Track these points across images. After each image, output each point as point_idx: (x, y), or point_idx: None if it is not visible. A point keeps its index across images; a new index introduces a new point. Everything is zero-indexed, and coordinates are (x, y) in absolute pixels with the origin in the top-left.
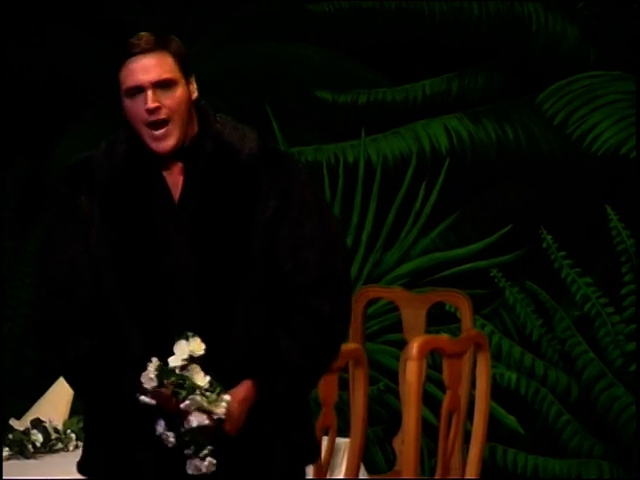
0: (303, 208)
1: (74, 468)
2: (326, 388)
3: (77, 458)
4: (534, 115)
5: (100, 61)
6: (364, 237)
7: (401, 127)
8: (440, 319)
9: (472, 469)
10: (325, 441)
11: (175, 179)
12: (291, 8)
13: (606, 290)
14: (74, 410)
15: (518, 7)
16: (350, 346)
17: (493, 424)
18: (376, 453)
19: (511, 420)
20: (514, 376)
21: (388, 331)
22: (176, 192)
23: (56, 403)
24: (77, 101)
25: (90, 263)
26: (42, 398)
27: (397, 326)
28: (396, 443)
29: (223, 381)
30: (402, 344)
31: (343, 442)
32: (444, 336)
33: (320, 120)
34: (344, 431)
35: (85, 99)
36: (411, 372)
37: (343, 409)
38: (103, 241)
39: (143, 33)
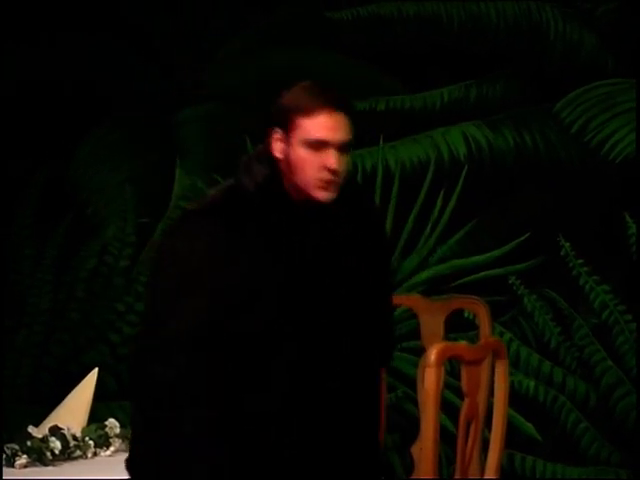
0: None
1: (92, 475)
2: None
3: (95, 465)
4: (552, 123)
5: (121, 66)
6: None
7: (419, 134)
8: (458, 326)
9: (490, 476)
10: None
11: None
12: (310, 16)
13: (624, 298)
14: (92, 417)
15: (536, 15)
16: None
17: (511, 431)
18: (394, 460)
19: (529, 427)
20: (532, 383)
21: (406, 338)
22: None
23: (74, 410)
24: (98, 106)
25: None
26: (60, 405)
27: (415, 333)
28: (414, 450)
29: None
30: (420, 351)
31: None
32: (462, 343)
33: None
34: None
35: (106, 104)
36: (429, 379)
37: None
38: (262, 278)
39: (324, 86)
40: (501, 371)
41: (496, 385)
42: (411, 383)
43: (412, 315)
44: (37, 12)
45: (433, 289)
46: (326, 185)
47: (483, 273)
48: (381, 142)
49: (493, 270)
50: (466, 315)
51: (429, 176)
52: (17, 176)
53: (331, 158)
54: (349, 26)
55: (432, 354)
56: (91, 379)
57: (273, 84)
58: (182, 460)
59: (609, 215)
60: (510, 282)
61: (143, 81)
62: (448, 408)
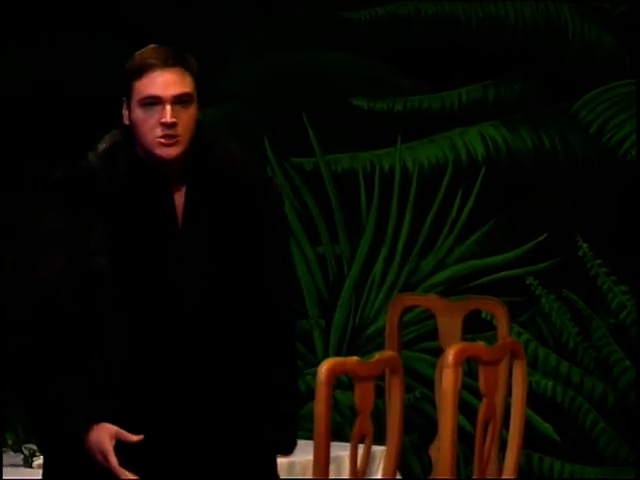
0: (285, 242)
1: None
2: (362, 396)
3: None
4: (570, 123)
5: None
6: (400, 245)
7: (437, 135)
8: (476, 327)
9: (508, 477)
10: (361, 449)
11: (177, 198)
12: (327, 15)
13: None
14: None
15: (554, 15)
16: (386, 354)
17: (529, 432)
18: (412, 461)
19: (547, 428)
20: (550, 384)
21: (424, 339)
22: (178, 211)
23: None
24: (115, 106)
25: (80, 276)
26: None
27: (433, 334)
28: (432, 451)
29: (220, 396)
30: (438, 352)
31: (379, 450)
32: (480, 344)
33: (356, 128)
34: (380, 439)
35: (115, 106)
36: (447, 380)
37: (379, 417)
38: (104, 252)
39: (159, 46)
40: (519, 371)
41: (514, 385)
42: (429, 384)
43: (430, 316)
44: (58, 11)
45: (451, 290)
46: (166, 141)
47: (501, 274)
48: (399, 143)
49: (511, 270)
50: (484, 316)
51: (447, 177)
52: (33, 176)
53: (164, 112)
54: (367, 26)
55: (450, 355)
56: None
57: (290, 84)
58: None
59: (627, 215)
60: (528, 282)
61: None
62: (466, 408)
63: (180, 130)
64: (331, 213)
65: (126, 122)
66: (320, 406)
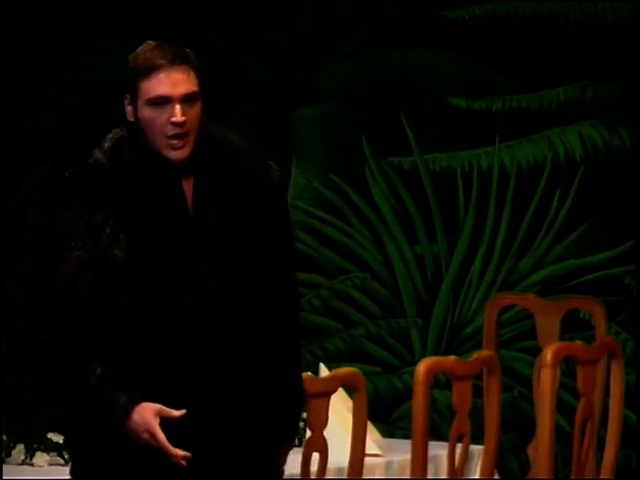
0: (287, 225)
1: None
2: (460, 395)
3: None
4: None
5: (235, 65)
6: (498, 244)
7: (535, 134)
8: (574, 326)
9: (606, 476)
10: (459, 448)
11: (185, 188)
12: (425, 15)
13: None
14: None
15: None
16: (484, 353)
17: (627, 431)
18: (510, 460)
19: None
20: None
21: (522, 338)
22: (187, 201)
23: None
24: (211, 112)
25: (96, 274)
26: None
27: (531, 333)
28: (530, 450)
29: (233, 384)
30: (536, 351)
31: (477, 449)
32: (578, 343)
33: (454, 127)
34: (478, 438)
35: (220, 110)
36: (545, 379)
37: (477, 416)
38: (118, 245)
39: (162, 44)
40: (617, 371)
41: (612, 385)
42: (527, 383)
43: (528, 315)
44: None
45: (549, 289)
46: (176, 143)
47: (599, 273)
48: (497, 142)
49: (609, 270)
50: (582, 315)
51: (545, 176)
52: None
53: (174, 111)
54: (465, 25)
55: (548, 354)
56: None
57: (388, 83)
58: None
59: None
60: (626, 282)
61: (257, 79)
62: (564, 408)
63: (188, 127)
64: (429, 212)
65: (130, 119)
66: (418, 405)
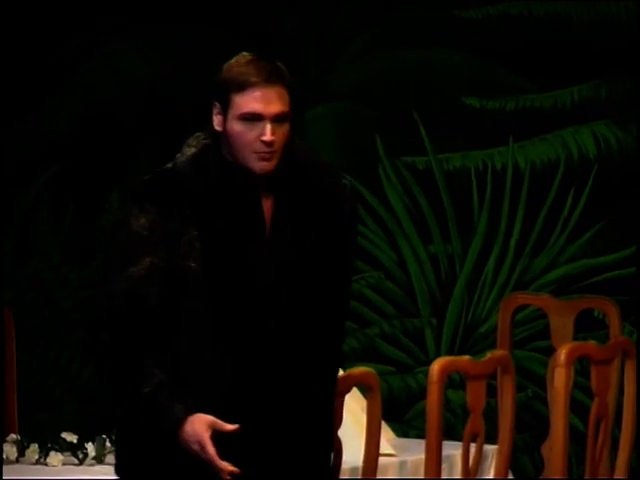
0: (352, 252)
1: None
2: (474, 395)
3: None
4: None
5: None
6: (512, 243)
7: (549, 133)
8: (588, 326)
9: (620, 476)
10: (473, 448)
11: (266, 204)
12: (439, 14)
13: None
14: None
15: None
16: (498, 353)
17: None
18: (524, 460)
19: None
20: None
21: (536, 338)
22: (266, 219)
23: None
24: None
25: (167, 281)
26: None
27: (545, 333)
28: (544, 450)
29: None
30: (550, 351)
31: (491, 449)
32: (592, 343)
33: (468, 126)
34: (492, 438)
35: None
36: (559, 379)
37: (491, 416)
38: (194, 255)
39: (259, 60)
40: (631, 370)
41: (626, 384)
42: (541, 383)
43: (542, 315)
44: (156, 10)
45: (563, 289)
46: (262, 157)
47: (613, 273)
48: (511, 142)
49: (623, 270)
50: (596, 315)
51: (559, 176)
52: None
53: (265, 130)
54: (478, 25)
55: (562, 354)
56: None
57: (401, 83)
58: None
59: None
60: None
61: None
62: (578, 407)
63: (276, 147)
64: (443, 212)
65: (217, 128)
66: (432, 405)
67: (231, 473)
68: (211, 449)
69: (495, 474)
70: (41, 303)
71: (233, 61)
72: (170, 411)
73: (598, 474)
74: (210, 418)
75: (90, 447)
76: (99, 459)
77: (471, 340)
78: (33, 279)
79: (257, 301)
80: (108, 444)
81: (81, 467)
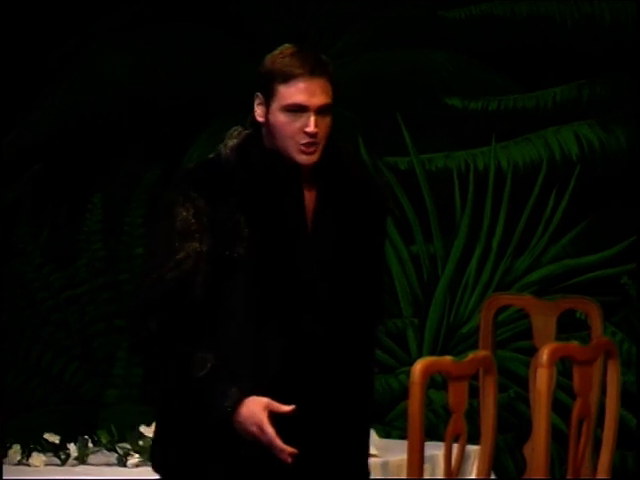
0: (383, 247)
1: None
2: (456, 395)
3: None
4: None
5: (234, 71)
6: (494, 244)
7: (531, 134)
8: (570, 326)
9: (602, 476)
10: (455, 448)
11: (309, 196)
12: (423, 14)
13: None
14: None
15: None
16: (480, 353)
17: (623, 431)
18: (506, 460)
19: None
20: None
21: (518, 338)
22: (309, 209)
23: None
24: (207, 111)
25: (212, 268)
26: None
27: (527, 333)
28: (526, 450)
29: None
30: (532, 351)
31: (473, 449)
32: (574, 343)
33: (450, 127)
34: (474, 438)
35: (213, 109)
36: (541, 379)
37: (473, 416)
38: (241, 243)
39: (304, 51)
40: (613, 371)
41: (608, 385)
42: (523, 383)
43: (524, 315)
44: (148, 9)
45: (545, 289)
46: (306, 149)
47: (595, 273)
48: (493, 142)
49: (605, 270)
50: (578, 315)
51: (541, 176)
52: (131, 175)
53: (309, 122)
54: (462, 25)
55: (544, 354)
56: None
57: (384, 83)
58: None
59: None
60: (622, 282)
61: (249, 79)
62: (560, 408)
63: (320, 138)
64: (425, 212)
65: (259, 119)
66: (414, 405)
67: (291, 454)
68: (270, 430)
69: (477, 474)
70: (23, 304)
71: (277, 52)
72: (226, 394)
73: (580, 474)
74: (266, 400)
75: (72, 448)
76: (81, 459)
77: (453, 341)
78: (15, 280)
79: (298, 291)
80: (90, 444)
81: (63, 468)
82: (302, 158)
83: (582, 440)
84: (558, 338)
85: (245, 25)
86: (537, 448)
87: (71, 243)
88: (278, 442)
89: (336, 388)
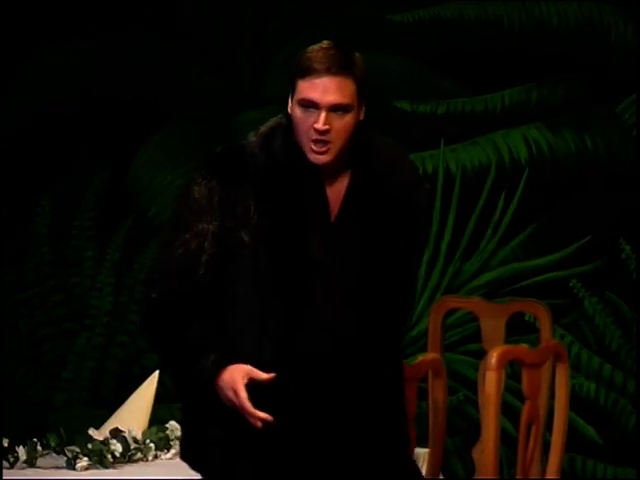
0: (424, 245)
1: (153, 478)
2: (405, 398)
3: (156, 468)
4: (613, 125)
5: (186, 74)
6: (443, 247)
7: (480, 137)
8: (519, 329)
9: (551, 479)
10: None
11: (335, 191)
12: (371, 18)
13: None
14: (153, 420)
15: (597, 18)
16: (429, 356)
17: (572, 434)
18: (455, 463)
19: (590, 430)
20: (593, 386)
21: (467, 341)
22: (332, 202)
23: (135, 413)
24: (157, 113)
25: (219, 249)
26: (121, 408)
27: (476, 336)
28: (475, 453)
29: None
30: (481, 354)
31: (422, 452)
32: (523, 346)
33: (399, 130)
34: (423, 441)
35: (165, 111)
36: (490, 382)
37: (422, 419)
38: (247, 228)
39: (329, 48)
40: (562, 374)
41: (557, 388)
42: (472, 386)
43: (473, 318)
44: (96, 12)
45: (494, 292)
46: (316, 148)
47: (544, 276)
48: (442, 145)
49: (554, 273)
50: (527, 318)
51: (490, 179)
52: (79, 178)
53: (318, 118)
54: (410, 28)
55: (493, 357)
56: (152, 381)
57: None
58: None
59: None
60: (571, 285)
61: (203, 83)
62: (509, 411)
63: (332, 137)
64: None
65: (289, 110)
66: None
67: (263, 421)
68: (243, 394)
69: (426, 477)
70: None
71: (309, 47)
72: (207, 360)
73: (529, 477)
74: (247, 367)
75: (21, 451)
76: (30, 462)
77: (402, 343)
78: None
79: (305, 282)
80: (39, 447)
81: (12, 470)
82: (312, 157)
83: (531, 443)
84: (507, 341)
85: (195, 29)
86: (486, 451)
87: (22, 245)
88: (248, 406)
89: (349, 384)
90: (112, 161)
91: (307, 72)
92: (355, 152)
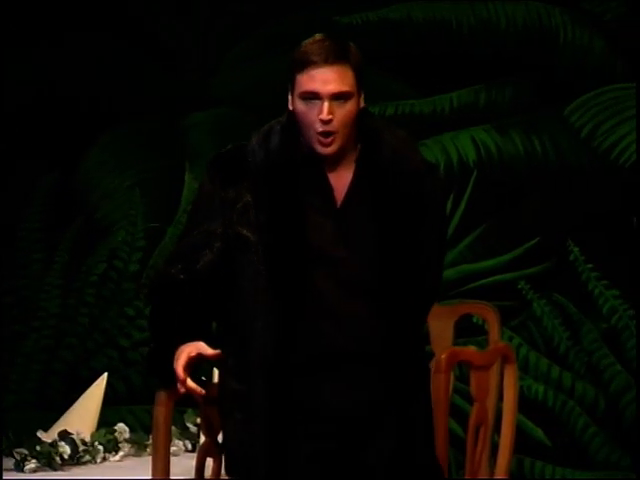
0: (444, 227)
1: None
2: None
3: (104, 470)
4: (561, 127)
5: (134, 75)
6: None
7: (428, 139)
8: (467, 331)
9: None
10: None
11: (340, 180)
12: (319, 20)
13: (633, 303)
14: (102, 422)
15: (546, 20)
16: None
17: (520, 436)
18: None
19: (538, 432)
20: (541, 388)
21: None
22: (339, 193)
23: (84, 415)
24: (106, 114)
25: (222, 246)
26: (70, 410)
27: (424, 338)
28: None
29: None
30: (429, 356)
31: None
32: (471, 348)
33: None
34: None
35: (114, 112)
36: (439, 384)
37: None
38: (247, 225)
39: (324, 39)
40: (510, 376)
41: (505, 390)
42: None
43: None
44: (49, 15)
45: (443, 294)
46: (323, 139)
47: (493, 278)
48: None
49: (502, 275)
50: (475, 320)
51: None
52: (27, 179)
53: (322, 109)
54: (359, 30)
55: (441, 359)
56: (100, 384)
57: (282, 88)
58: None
59: (618, 220)
60: (519, 287)
61: (151, 84)
62: (457, 413)
63: (336, 125)
64: None
65: (290, 107)
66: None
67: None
68: (181, 363)
69: None
70: None
71: (304, 41)
72: (175, 333)
73: (477, 479)
74: (202, 344)
75: None
76: None
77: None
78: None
79: (314, 275)
80: None
81: None
82: (319, 149)
83: (479, 445)
84: (456, 343)
85: (143, 31)
86: (435, 453)
87: None
88: (179, 372)
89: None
90: (61, 162)
91: (305, 65)
92: (360, 142)
